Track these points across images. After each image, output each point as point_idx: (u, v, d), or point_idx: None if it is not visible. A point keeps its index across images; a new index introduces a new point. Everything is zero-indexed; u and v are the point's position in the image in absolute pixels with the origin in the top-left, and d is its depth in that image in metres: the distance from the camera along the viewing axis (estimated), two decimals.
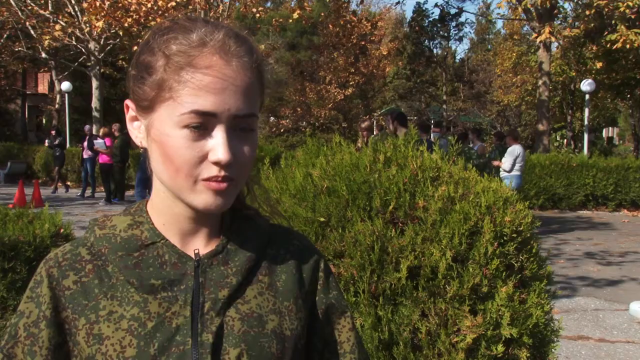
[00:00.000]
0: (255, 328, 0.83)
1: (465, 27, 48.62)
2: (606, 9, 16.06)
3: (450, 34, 35.26)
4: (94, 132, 16.73)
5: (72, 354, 0.82)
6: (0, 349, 0.82)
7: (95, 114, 19.66)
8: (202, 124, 0.76)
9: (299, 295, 0.90)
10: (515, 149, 9.90)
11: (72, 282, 0.82)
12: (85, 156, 14.59)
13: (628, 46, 15.99)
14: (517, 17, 22.11)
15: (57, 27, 17.43)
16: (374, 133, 10.08)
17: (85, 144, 14.56)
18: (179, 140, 0.77)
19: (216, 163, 0.77)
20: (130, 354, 0.78)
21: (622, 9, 15.39)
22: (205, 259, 0.84)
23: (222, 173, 0.77)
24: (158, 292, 0.81)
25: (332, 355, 0.94)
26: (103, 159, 13.61)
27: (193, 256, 0.84)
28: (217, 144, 0.76)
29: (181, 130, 0.77)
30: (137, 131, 0.85)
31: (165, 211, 0.85)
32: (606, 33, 17.64)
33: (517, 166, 9.90)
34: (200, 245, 0.86)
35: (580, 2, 18.07)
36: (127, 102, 0.85)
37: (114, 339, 0.79)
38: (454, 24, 34.71)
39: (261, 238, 0.90)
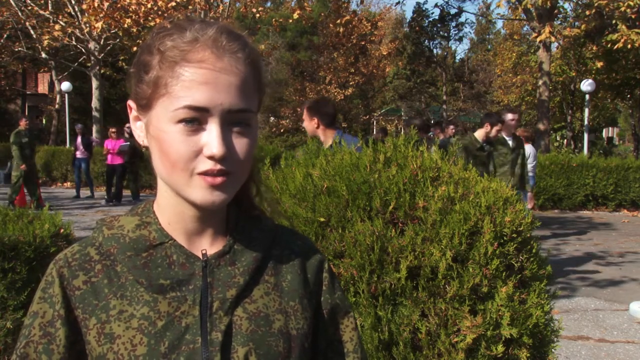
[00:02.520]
0: (262, 327, 0.85)
1: (465, 27, 48.59)
2: (606, 9, 16.02)
3: (450, 34, 35.19)
4: (94, 132, 16.67)
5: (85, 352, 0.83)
6: (15, 351, 0.83)
7: (95, 114, 19.65)
8: (196, 119, 0.77)
9: (304, 295, 0.91)
10: (525, 149, 9.90)
11: (82, 282, 0.83)
12: (79, 156, 14.11)
13: (629, 46, 15.96)
14: (517, 17, 22.08)
15: (57, 27, 17.41)
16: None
17: (79, 142, 14.08)
18: (174, 135, 0.78)
19: (210, 157, 0.77)
20: (141, 352, 0.79)
21: (622, 9, 15.36)
22: (213, 259, 0.85)
23: (217, 167, 0.78)
24: (167, 292, 0.82)
25: (335, 355, 0.95)
26: (117, 160, 13.07)
27: (200, 256, 0.85)
28: (211, 139, 0.77)
29: (176, 126, 0.77)
30: (139, 130, 0.86)
31: (169, 210, 0.86)
32: (607, 33, 17.62)
33: (528, 167, 9.89)
34: (206, 245, 0.87)
35: (580, 2, 18.04)
36: (129, 102, 0.86)
37: (124, 337, 0.80)
38: (453, 24, 34.62)
39: (266, 238, 0.91)
